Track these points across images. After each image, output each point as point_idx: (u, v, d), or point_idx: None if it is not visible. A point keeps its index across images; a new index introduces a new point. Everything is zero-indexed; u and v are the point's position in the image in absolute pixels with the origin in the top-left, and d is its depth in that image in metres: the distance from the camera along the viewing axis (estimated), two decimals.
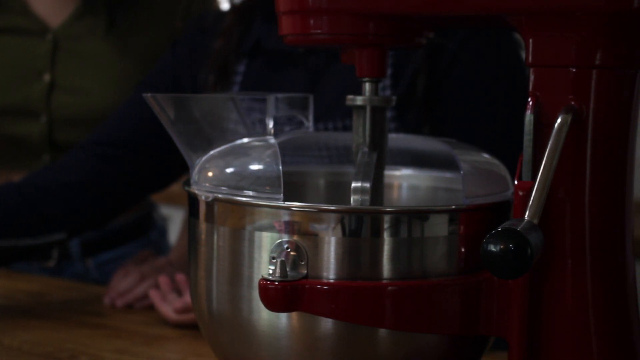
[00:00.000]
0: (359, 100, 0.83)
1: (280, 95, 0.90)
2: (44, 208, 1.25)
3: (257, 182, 0.79)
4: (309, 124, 0.94)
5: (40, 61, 1.53)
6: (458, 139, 0.93)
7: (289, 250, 0.75)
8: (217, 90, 1.26)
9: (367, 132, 0.83)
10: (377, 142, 0.84)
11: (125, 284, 1.28)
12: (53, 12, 1.55)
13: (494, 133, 1.16)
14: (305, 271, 0.75)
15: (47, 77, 1.52)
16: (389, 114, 1.17)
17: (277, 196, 0.77)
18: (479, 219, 0.78)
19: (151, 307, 1.24)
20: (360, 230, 0.74)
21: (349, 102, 0.84)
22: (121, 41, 1.54)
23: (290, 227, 0.75)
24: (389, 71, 1.16)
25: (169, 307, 1.17)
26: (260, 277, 0.73)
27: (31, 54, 1.53)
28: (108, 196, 1.31)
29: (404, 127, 1.17)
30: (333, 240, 0.75)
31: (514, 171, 0.77)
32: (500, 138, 1.15)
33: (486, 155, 0.86)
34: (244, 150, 0.84)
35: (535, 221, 0.68)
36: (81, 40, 1.54)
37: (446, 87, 1.18)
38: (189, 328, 1.13)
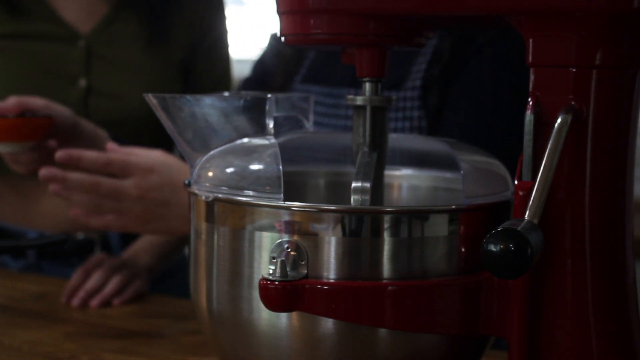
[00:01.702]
0: (359, 100, 0.83)
1: (280, 95, 0.90)
2: None
3: (257, 182, 0.79)
4: (309, 124, 0.94)
5: (74, 67, 1.53)
6: (467, 130, 0.92)
7: (289, 250, 0.75)
8: (289, 70, 1.36)
9: (367, 132, 0.83)
10: (377, 142, 0.84)
11: (93, 283, 1.28)
12: (82, 18, 1.56)
13: (503, 131, 1.16)
14: (306, 271, 0.75)
15: (82, 82, 1.53)
16: (415, 92, 1.18)
17: (277, 196, 0.77)
18: (479, 219, 0.78)
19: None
20: (360, 230, 0.74)
21: (349, 102, 0.84)
22: (156, 47, 1.57)
23: (290, 227, 0.75)
24: (430, 49, 1.22)
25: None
26: (261, 277, 0.73)
27: (63, 60, 1.54)
28: None
29: (426, 108, 1.20)
30: (333, 240, 0.75)
31: (514, 171, 0.77)
32: (507, 137, 1.15)
33: (486, 155, 0.86)
34: (244, 150, 0.84)
35: (535, 221, 0.68)
36: (116, 45, 1.56)
37: (462, 77, 1.19)
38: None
